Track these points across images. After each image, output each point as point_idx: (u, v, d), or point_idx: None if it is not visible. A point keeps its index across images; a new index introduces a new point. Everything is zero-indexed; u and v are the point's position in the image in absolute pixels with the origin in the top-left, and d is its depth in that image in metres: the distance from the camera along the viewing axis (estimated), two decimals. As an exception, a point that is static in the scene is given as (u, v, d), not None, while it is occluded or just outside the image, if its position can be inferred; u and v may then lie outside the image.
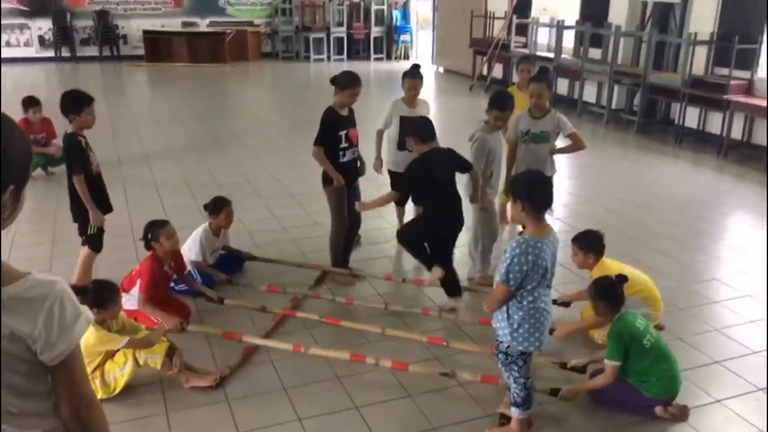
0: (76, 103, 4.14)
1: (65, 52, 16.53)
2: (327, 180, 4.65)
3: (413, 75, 5.22)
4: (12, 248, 5.22)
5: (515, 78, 7.37)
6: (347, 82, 4.53)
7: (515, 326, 2.89)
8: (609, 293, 3.37)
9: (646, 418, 3.28)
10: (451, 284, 4.31)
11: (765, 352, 3.92)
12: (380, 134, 5.36)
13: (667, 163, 8.47)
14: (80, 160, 4.12)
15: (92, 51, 16.74)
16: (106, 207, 4.36)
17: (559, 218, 6.17)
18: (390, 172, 5.33)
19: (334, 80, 4.59)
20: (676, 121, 9.43)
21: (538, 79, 5.03)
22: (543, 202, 2.86)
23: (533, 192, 2.84)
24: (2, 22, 15.97)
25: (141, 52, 16.71)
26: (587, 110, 11.10)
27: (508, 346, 2.95)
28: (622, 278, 3.45)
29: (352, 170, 4.74)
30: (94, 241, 4.32)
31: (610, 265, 4.01)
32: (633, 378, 3.26)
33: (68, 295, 1.43)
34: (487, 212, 4.66)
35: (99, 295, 3.30)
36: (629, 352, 3.23)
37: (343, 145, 4.58)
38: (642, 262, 5.00)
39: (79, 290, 3.30)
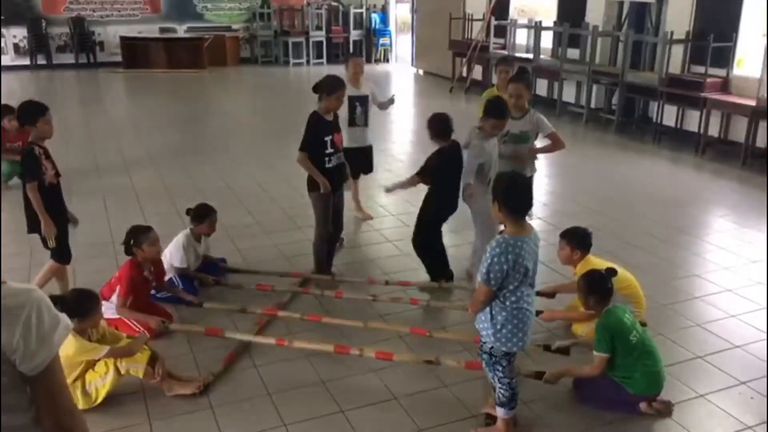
0: (30, 113, 4.09)
1: (41, 60, 16.31)
2: (312, 186, 4.62)
3: (354, 55, 6.05)
4: (-12, 259, 5.14)
5: (494, 79, 7.40)
6: (332, 87, 4.52)
7: (498, 327, 2.89)
8: (599, 287, 3.39)
9: (631, 415, 3.30)
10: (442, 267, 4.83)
11: (747, 346, 3.96)
12: None
13: (647, 161, 8.55)
14: (33, 170, 4.05)
15: (69, 58, 16.54)
16: (60, 219, 4.23)
17: (540, 217, 6.20)
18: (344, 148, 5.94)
19: (317, 87, 4.57)
20: (654, 120, 9.53)
21: (517, 80, 5.04)
22: (521, 205, 2.88)
23: (511, 194, 2.85)
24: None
25: (118, 58, 16.53)
26: (566, 110, 11.17)
27: (492, 347, 2.95)
28: (612, 271, 3.49)
29: (338, 175, 4.73)
30: (58, 253, 4.25)
31: (595, 262, 4.02)
32: (618, 374, 3.28)
33: (45, 302, 1.40)
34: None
35: (78, 305, 3.25)
36: (615, 347, 3.24)
37: (329, 150, 4.56)
38: (624, 260, 5.01)
39: (57, 299, 3.23)
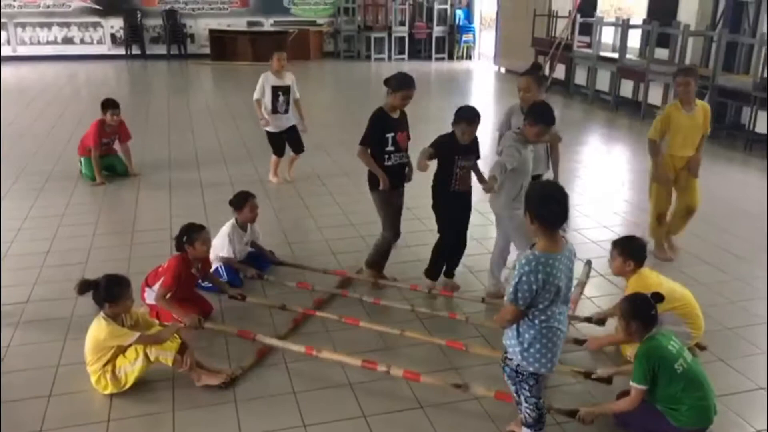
0: None
1: (135, 50, 17.09)
2: (373, 183, 4.51)
3: (278, 50, 6.95)
4: (54, 239, 5.38)
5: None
6: (399, 84, 4.38)
7: (526, 345, 2.70)
8: (642, 312, 3.11)
9: (674, 447, 3.03)
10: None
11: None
12: (258, 102, 6.78)
13: (735, 170, 7.98)
14: None
15: (161, 49, 17.25)
16: None
17: (606, 226, 5.88)
18: (267, 133, 6.89)
19: (388, 81, 4.46)
20: (747, 127, 8.87)
21: (527, 73, 4.79)
22: (555, 218, 2.62)
23: (545, 205, 2.62)
24: (77, 20, 16.69)
25: (207, 50, 17.10)
26: (652, 113, 10.51)
27: (518, 365, 2.77)
28: (658, 297, 3.19)
29: (398, 175, 4.56)
30: None
31: (649, 276, 3.74)
32: (662, 404, 3.01)
33: None
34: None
35: (110, 290, 3.30)
36: (658, 376, 2.98)
37: (389, 148, 4.43)
38: (689, 276, 4.70)
39: (91, 284, 3.33)
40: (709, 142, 9.11)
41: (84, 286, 3.31)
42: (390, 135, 4.41)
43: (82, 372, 3.46)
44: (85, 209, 6.20)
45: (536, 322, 2.68)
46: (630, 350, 3.68)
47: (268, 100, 6.69)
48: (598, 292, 4.62)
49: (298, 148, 7.01)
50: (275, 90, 6.69)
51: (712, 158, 8.42)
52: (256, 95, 6.74)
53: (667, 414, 3.01)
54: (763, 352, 3.87)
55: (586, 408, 3.14)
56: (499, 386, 3.29)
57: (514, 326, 2.73)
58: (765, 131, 8.71)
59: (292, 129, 6.93)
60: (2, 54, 15.63)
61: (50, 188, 6.71)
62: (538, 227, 2.64)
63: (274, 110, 6.73)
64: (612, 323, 3.99)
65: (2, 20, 16.09)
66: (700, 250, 5.36)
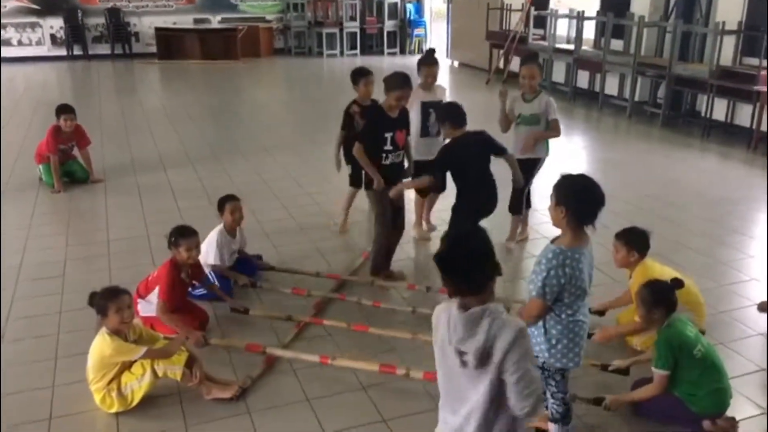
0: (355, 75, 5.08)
1: (77, 51, 16.44)
2: (369, 182, 4.46)
3: (430, 62, 5.13)
4: (25, 251, 5.12)
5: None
6: (392, 84, 4.37)
7: (553, 342, 2.69)
8: (665, 299, 3.14)
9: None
10: None
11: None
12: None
13: (695, 157, 8.22)
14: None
15: (104, 49, 16.64)
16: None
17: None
18: (414, 162, 5.02)
19: (384, 80, 4.44)
20: (703, 114, 9.15)
21: (530, 61, 5.05)
22: (589, 215, 2.56)
23: (581, 201, 2.56)
24: (13, 21, 15.94)
25: (153, 49, 16.58)
26: (609, 103, 10.82)
27: (545, 362, 2.76)
28: (678, 282, 3.24)
29: (395, 173, 4.51)
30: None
31: (652, 266, 3.79)
32: (680, 390, 3.05)
33: None
34: None
35: (96, 302, 3.14)
36: (678, 362, 3.02)
37: (388, 147, 4.40)
38: (677, 262, 4.77)
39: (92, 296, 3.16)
40: (665, 129, 9.46)
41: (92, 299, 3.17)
42: (389, 134, 4.39)
43: (82, 391, 3.29)
44: (53, 219, 5.92)
45: (563, 317, 2.67)
46: (636, 340, 3.74)
47: (416, 120, 4.99)
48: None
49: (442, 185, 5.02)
50: (425, 107, 5.05)
51: (671, 145, 8.69)
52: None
53: (686, 400, 3.06)
54: (759, 334, 3.99)
55: (612, 396, 3.16)
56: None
57: (540, 323, 2.71)
58: (722, 118, 9.02)
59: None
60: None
61: (10, 198, 6.37)
62: (570, 221, 2.59)
63: (424, 132, 5.10)
64: (610, 313, 4.06)
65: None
66: (678, 236, 5.49)
